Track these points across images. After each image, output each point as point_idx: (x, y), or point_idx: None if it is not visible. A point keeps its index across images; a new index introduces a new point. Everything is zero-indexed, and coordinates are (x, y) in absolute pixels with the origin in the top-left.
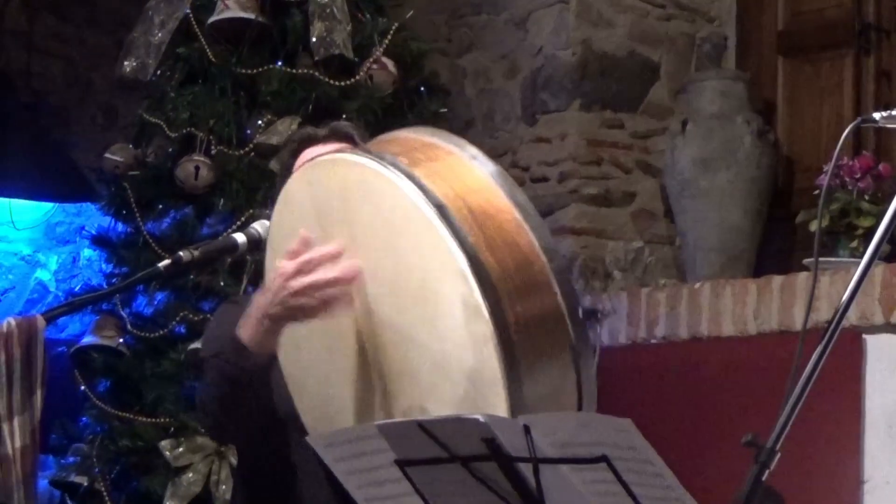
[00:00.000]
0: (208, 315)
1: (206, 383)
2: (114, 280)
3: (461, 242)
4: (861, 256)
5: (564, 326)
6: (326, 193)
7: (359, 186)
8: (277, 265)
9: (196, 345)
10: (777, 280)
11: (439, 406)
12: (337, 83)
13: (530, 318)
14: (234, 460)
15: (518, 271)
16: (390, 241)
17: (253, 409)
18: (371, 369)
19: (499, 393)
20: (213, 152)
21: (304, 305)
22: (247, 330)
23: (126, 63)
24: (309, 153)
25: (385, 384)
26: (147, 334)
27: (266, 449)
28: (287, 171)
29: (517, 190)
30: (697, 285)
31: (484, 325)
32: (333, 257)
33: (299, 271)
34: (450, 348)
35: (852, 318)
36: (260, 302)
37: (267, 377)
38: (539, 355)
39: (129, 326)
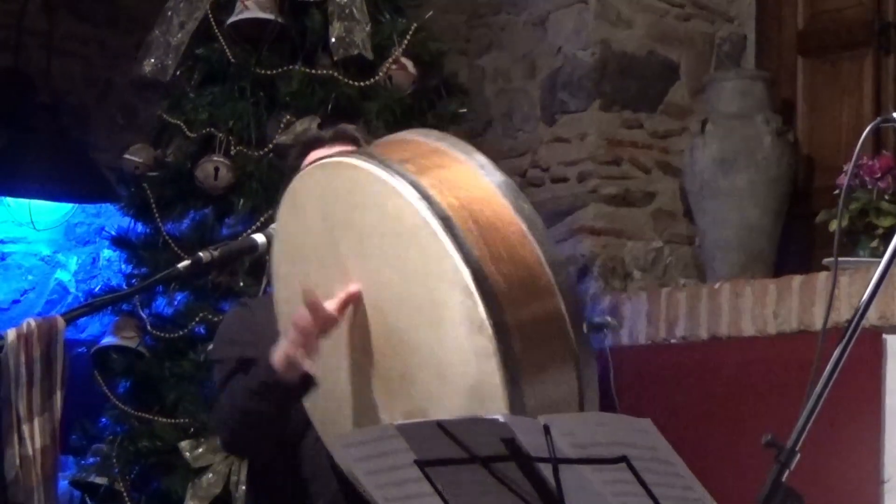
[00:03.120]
0: None
1: (229, 397)
2: (133, 281)
3: (465, 256)
4: (881, 256)
5: (568, 341)
6: (333, 196)
7: (364, 192)
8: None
9: None
10: (797, 280)
11: (442, 412)
12: (356, 83)
13: (534, 332)
14: None
15: (522, 286)
16: (396, 248)
17: (275, 426)
18: (374, 373)
19: (500, 408)
20: (232, 153)
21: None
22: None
23: (145, 63)
24: (315, 155)
25: (390, 387)
26: (167, 335)
27: (276, 457)
28: (294, 172)
29: (524, 202)
30: (717, 285)
31: (487, 341)
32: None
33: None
34: (452, 359)
35: (872, 317)
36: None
37: (295, 397)
38: (542, 369)
39: (148, 327)
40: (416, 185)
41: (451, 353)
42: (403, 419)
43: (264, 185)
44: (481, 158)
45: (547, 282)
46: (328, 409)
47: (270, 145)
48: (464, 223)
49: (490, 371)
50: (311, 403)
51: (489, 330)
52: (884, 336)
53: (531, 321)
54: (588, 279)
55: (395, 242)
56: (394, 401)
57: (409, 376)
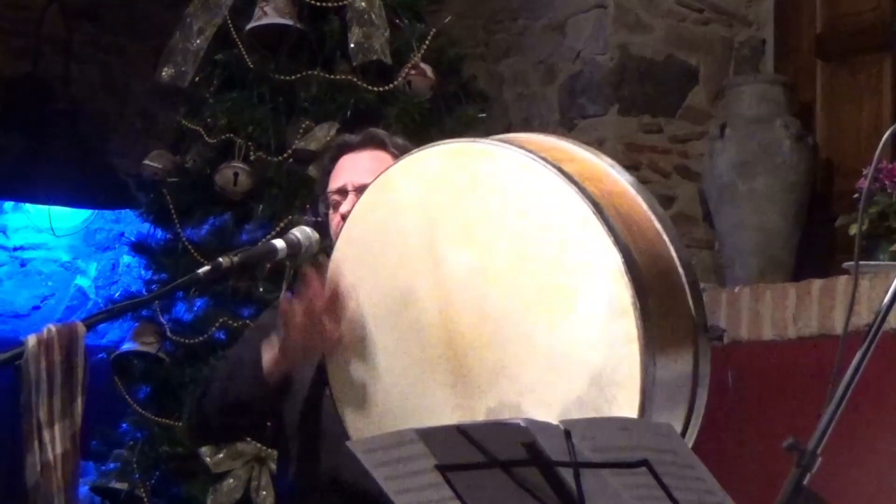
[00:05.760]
0: (247, 321)
1: (217, 378)
2: (153, 286)
3: (616, 240)
4: None
5: (695, 341)
6: (446, 182)
7: (492, 178)
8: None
9: None
10: (817, 284)
11: (539, 405)
12: (375, 89)
13: (668, 324)
14: (273, 466)
15: (660, 279)
16: (520, 235)
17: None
18: (457, 367)
19: (630, 397)
20: (251, 158)
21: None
22: (265, 352)
23: (164, 70)
24: (346, 160)
25: (474, 381)
26: (186, 340)
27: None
28: (326, 176)
29: (654, 201)
30: (737, 289)
31: (630, 326)
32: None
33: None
34: (575, 346)
35: (892, 321)
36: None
37: (273, 399)
38: (671, 365)
39: (168, 333)
40: (562, 171)
41: (574, 340)
42: (486, 414)
43: (284, 191)
44: (609, 159)
45: (678, 280)
46: (391, 413)
47: (290, 151)
48: (609, 210)
49: (625, 355)
50: (354, 412)
51: (634, 315)
52: None
53: (666, 313)
54: None
55: (519, 227)
56: (478, 396)
57: (503, 368)
